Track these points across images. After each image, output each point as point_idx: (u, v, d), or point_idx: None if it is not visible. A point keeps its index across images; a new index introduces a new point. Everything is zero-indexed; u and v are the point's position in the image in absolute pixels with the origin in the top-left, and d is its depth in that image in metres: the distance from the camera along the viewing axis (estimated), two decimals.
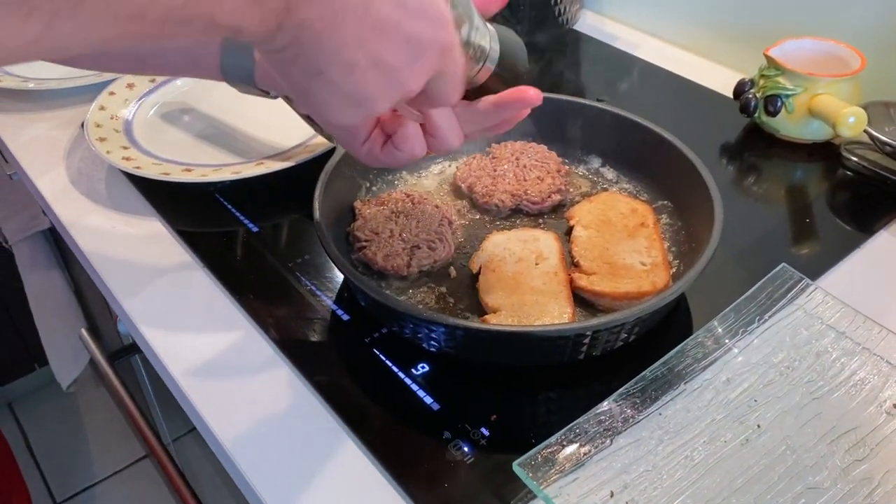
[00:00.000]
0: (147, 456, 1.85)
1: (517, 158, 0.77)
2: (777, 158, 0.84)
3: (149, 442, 0.79)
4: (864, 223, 0.75)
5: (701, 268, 0.58)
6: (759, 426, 0.56)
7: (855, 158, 0.82)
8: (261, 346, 0.63)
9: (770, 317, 0.63)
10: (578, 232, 0.69)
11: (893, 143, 0.77)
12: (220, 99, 0.92)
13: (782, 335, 0.62)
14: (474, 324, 0.56)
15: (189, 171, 0.77)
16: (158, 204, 0.77)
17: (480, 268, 0.66)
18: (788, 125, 0.82)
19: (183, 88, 0.93)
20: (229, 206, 0.77)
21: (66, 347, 1.31)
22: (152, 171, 0.76)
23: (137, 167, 0.77)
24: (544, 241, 0.69)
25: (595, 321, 0.55)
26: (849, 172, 0.82)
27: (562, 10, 1.03)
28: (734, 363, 0.60)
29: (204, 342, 0.64)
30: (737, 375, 0.59)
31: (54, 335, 1.29)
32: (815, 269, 0.69)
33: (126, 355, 0.98)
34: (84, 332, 0.94)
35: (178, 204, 0.77)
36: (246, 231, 0.74)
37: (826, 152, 0.84)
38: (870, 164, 0.81)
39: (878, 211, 0.76)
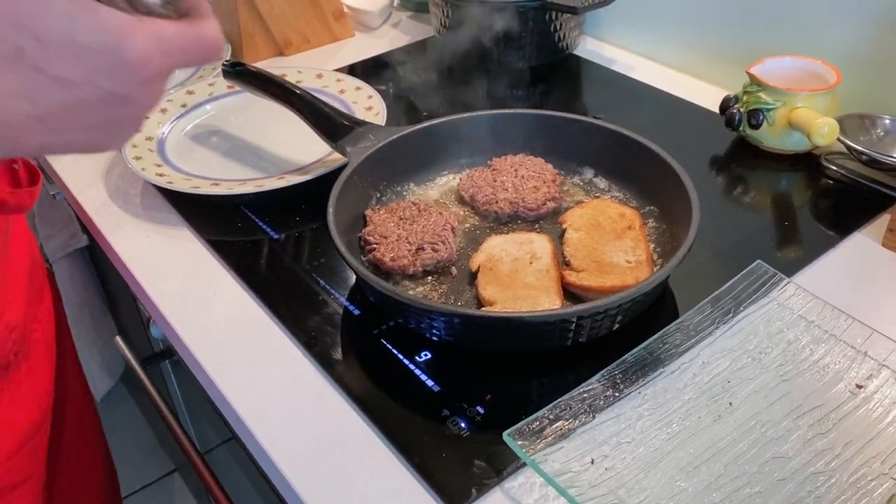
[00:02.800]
0: (176, 470, 1.92)
1: (516, 170, 0.83)
2: (762, 169, 0.90)
3: (185, 449, 0.85)
4: (841, 226, 0.80)
5: (677, 261, 0.64)
6: (731, 404, 0.61)
7: (834, 167, 0.87)
8: (282, 340, 0.70)
9: (745, 308, 0.68)
10: (570, 234, 0.75)
11: (868, 151, 0.82)
12: (245, 121, 1.00)
13: (756, 324, 0.67)
14: (468, 310, 0.62)
15: (217, 185, 0.85)
16: (189, 216, 0.85)
17: (479, 267, 0.72)
18: (770, 137, 0.88)
19: (211, 112, 1.01)
20: (253, 217, 0.84)
21: (100, 359, 1.39)
22: (183, 185, 0.84)
23: (170, 182, 0.84)
24: (538, 243, 0.75)
25: (578, 307, 0.61)
26: (829, 181, 0.87)
27: (562, 37, 1.10)
28: (710, 349, 0.65)
29: (231, 339, 0.70)
30: (712, 360, 0.64)
31: (90, 348, 1.37)
32: (791, 267, 0.74)
33: (158, 360, 1.06)
34: (118, 339, 1.01)
35: (207, 215, 0.85)
36: (269, 239, 0.81)
37: (808, 163, 0.89)
38: (848, 173, 0.86)
39: (854, 215, 0.81)
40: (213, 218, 0.84)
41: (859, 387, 0.62)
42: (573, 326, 0.62)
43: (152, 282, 0.77)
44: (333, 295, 0.73)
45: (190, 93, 1.03)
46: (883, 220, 0.80)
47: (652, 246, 0.75)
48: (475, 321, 0.62)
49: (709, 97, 1.01)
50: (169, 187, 0.84)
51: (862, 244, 0.78)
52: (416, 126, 0.84)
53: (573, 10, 1.01)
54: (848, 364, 0.63)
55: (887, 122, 0.86)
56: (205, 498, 0.82)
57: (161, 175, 0.86)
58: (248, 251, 0.80)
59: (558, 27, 1.08)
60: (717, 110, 0.95)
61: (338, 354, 0.68)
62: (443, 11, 1.14)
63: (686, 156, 0.77)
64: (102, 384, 1.42)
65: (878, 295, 0.72)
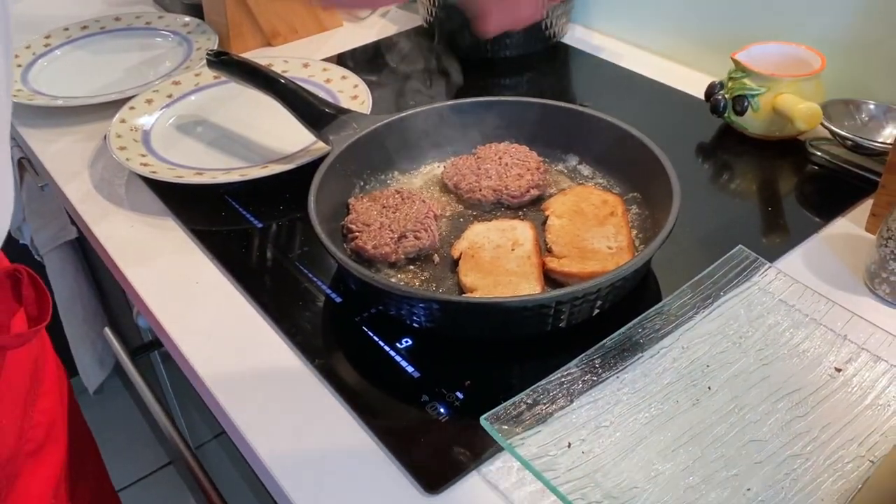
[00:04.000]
0: (171, 463, 1.92)
1: (500, 158, 0.83)
2: (747, 155, 0.90)
3: (173, 444, 0.85)
4: (825, 211, 0.80)
5: (657, 245, 0.64)
6: (709, 388, 0.61)
7: (819, 153, 0.87)
8: (265, 329, 0.70)
9: (726, 293, 0.68)
10: (552, 221, 0.75)
11: (853, 137, 0.82)
12: (230, 111, 1.00)
13: (737, 309, 0.67)
14: (446, 296, 0.62)
15: (201, 174, 0.85)
16: (173, 205, 0.85)
17: (461, 254, 0.72)
18: (755, 123, 0.88)
19: (197, 103, 1.01)
20: (238, 206, 0.84)
21: (92, 351, 1.39)
22: (167, 174, 0.84)
23: (154, 172, 0.84)
24: (521, 230, 0.75)
25: (556, 292, 0.61)
26: (814, 166, 0.87)
27: (550, 25, 1.10)
28: (690, 333, 0.65)
29: (215, 329, 0.70)
30: (692, 344, 0.65)
31: (82, 340, 1.37)
32: (774, 252, 0.74)
33: (147, 351, 1.06)
34: (107, 330, 1.01)
35: (191, 205, 0.85)
36: (253, 228, 0.81)
37: (793, 149, 0.89)
38: (833, 159, 0.86)
39: (839, 200, 0.81)
40: (197, 208, 0.85)
41: (838, 370, 0.62)
42: (552, 312, 0.62)
43: (137, 272, 0.77)
44: (316, 283, 0.74)
45: (176, 83, 1.02)
46: (866, 206, 0.80)
47: (634, 232, 0.75)
48: (454, 307, 0.62)
49: (696, 84, 1.00)
50: (153, 177, 0.84)
51: (845, 229, 0.77)
52: (400, 114, 0.84)
53: None
54: (827, 348, 0.63)
55: (872, 107, 0.86)
56: (199, 492, 0.83)
57: (145, 165, 0.86)
58: (233, 240, 0.80)
59: (547, 15, 1.08)
60: (702, 97, 0.95)
61: (320, 342, 0.68)
62: (431, 1, 1.13)
63: (672, 143, 0.77)
64: (95, 376, 1.43)
65: (859, 279, 0.71)
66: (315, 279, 0.74)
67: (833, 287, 0.70)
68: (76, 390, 0.86)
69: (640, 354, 0.63)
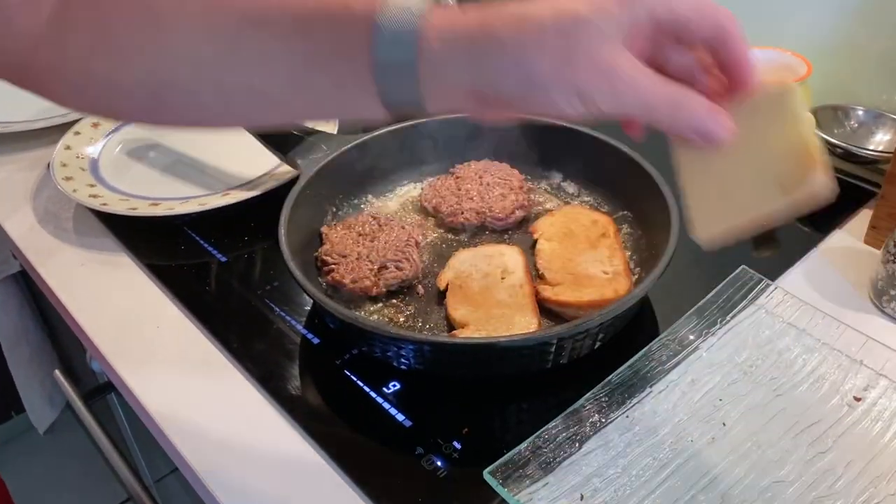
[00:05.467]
0: (129, 499, 1.83)
1: (480, 177, 0.78)
2: None
3: (128, 484, 0.79)
4: (821, 224, 0.77)
5: (660, 272, 0.60)
6: (724, 424, 0.57)
7: None
8: (233, 375, 0.63)
9: (732, 318, 0.64)
10: (542, 245, 0.71)
11: (843, 145, 0.79)
12: (184, 134, 0.93)
13: (745, 335, 0.63)
14: (440, 338, 0.57)
15: (156, 205, 0.78)
16: (126, 239, 0.78)
17: (448, 285, 0.67)
18: None
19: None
20: (197, 238, 0.78)
21: (41, 391, 1.30)
22: (119, 207, 0.77)
23: (104, 204, 0.77)
24: (509, 256, 0.70)
25: (558, 328, 0.56)
26: None
27: None
28: (699, 364, 0.61)
29: (177, 374, 0.64)
30: (702, 376, 0.60)
31: (29, 379, 1.28)
32: (774, 270, 0.70)
33: (101, 394, 0.98)
34: (58, 373, 0.93)
35: (147, 238, 0.78)
36: (215, 262, 0.75)
37: None
38: None
39: (833, 211, 0.77)
40: (153, 241, 0.78)
41: (857, 399, 0.58)
42: (553, 348, 0.57)
43: (88, 314, 0.70)
44: (289, 322, 0.67)
45: None
46: (862, 216, 0.77)
47: (628, 254, 0.70)
48: (447, 349, 0.57)
49: None
50: (103, 209, 0.77)
51: (844, 242, 0.74)
52: (371, 133, 0.78)
53: None
54: (843, 375, 0.60)
55: (860, 113, 0.83)
56: None
57: (94, 196, 0.79)
58: (194, 276, 0.73)
59: None
60: None
61: (296, 389, 0.62)
62: None
63: (654, 155, 0.72)
64: (45, 416, 1.33)
65: (864, 296, 0.68)
66: (288, 318, 0.68)
67: (839, 306, 0.67)
68: (24, 428, 0.78)
69: (649, 389, 0.59)
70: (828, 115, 0.83)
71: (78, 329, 0.70)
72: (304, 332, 0.66)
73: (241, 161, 0.85)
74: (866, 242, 0.73)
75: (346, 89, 0.42)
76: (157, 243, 0.77)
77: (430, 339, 0.56)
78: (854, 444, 0.55)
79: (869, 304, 0.67)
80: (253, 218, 0.79)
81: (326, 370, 0.63)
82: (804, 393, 0.59)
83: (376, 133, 0.78)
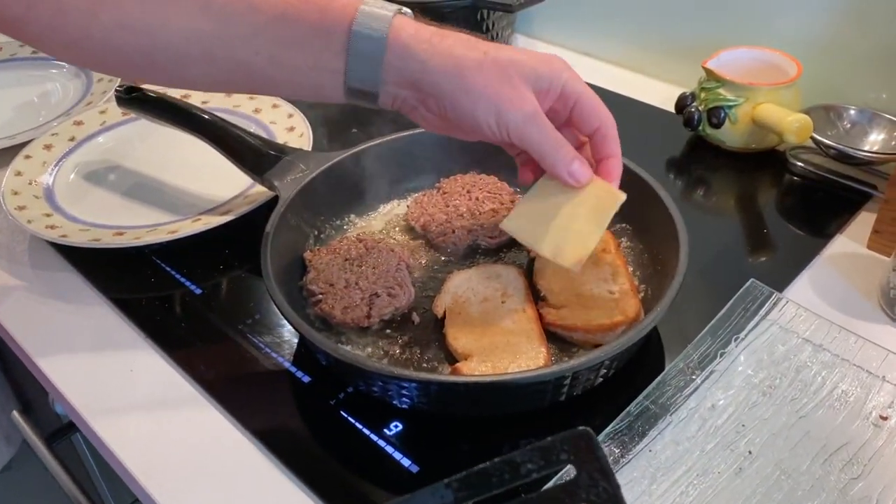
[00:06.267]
0: None
1: (468, 191, 0.74)
2: (725, 169, 0.84)
3: None
4: (820, 228, 0.75)
5: (674, 293, 0.56)
6: (750, 452, 0.54)
7: (801, 164, 0.82)
8: (218, 420, 0.58)
9: (745, 335, 0.61)
10: (542, 265, 0.67)
11: (837, 146, 0.77)
12: (146, 153, 0.87)
13: (760, 353, 0.61)
14: (448, 377, 0.52)
15: (121, 234, 0.72)
16: (89, 273, 0.72)
17: (445, 311, 0.63)
18: (734, 136, 0.82)
19: (106, 145, 0.87)
20: (168, 269, 0.72)
21: None
22: (80, 238, 0.71)
23: (63, 235, 0.71)
24: (507, 277, 0.66)
25: (575, 362, 0.52)
26: (796, 178, 0.82)
27: (494, 37, 1.02)
28: (716, 387, 0.58)
29: (152, 418, 0.59)
30: (720, 400, 0.57)
31: None
32: (780, 281, 0.68)
33: (65, 435, 0.91)
34: (16, 414, 0.87)
35: (112, 271, 0.72)
36: (189, 294, 0.69)
37: (772, 159, 0.84)
38: (816, 168, 0.81)
39: (830, 215, 0.76)
40: (119, 274, 0.72)
41: (883, 418, 0.55)
42: (568, 381, 0.54)
43: (52, 358, 0.64)
44: (276, 359, 0.62)
45: (78, 123, 0.88)
46: (861, 219, 0.75)
47: (631, 269, 0.67)
48: (457, 388, 0.53)
49: (658, 95, 0.94)
50: (63, 242, 0.70)
51: (847, 248, 0.72)
52: (351, 150, 0.73)
53: (508, 9, 0.92)
54: (866, 392, 0.57)
55: (853, 113, 0.81)
56: None
57: (52, 227, 0.72)
58: (167, 311, 0.68)
59: (490, 26, 0.99)
60: (667, 108, 0.89)
61: (289, 433, 0.57)
62: None
63: (640, 159, 0.69)
64: (1, 455, 1.25)
65: (874, 304, 0.66)
66: (274, 354, 0.63)
67: (851, 316, 0.65)
68: None
69: (669, 419, 0.55)
70: (820, 116, 0.81)
71: (41, 375, 0.64)
72: (293, 369, 0.61)
73: (210, 182, 0.79)
74: (870, 248, 0.71)
75: (318, 70, 0.52)
76: (123, 276, 0.71)
77: (438, 378, 0.52)
78: (886, 466, 0.52)
79: (880, 314, 0.65)
80: (228, 244, 0.73)
81: (320, 411, 0.58)
82: (827, 413, 0.56)
83: (357, 149, 0.73)
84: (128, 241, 0.70)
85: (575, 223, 0.57)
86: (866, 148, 0.79)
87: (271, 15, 0.50)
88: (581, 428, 0.33)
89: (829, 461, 0.53)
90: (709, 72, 0.82)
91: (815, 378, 0.59)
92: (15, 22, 0.49)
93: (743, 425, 0.56)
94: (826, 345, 0.60)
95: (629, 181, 0.68)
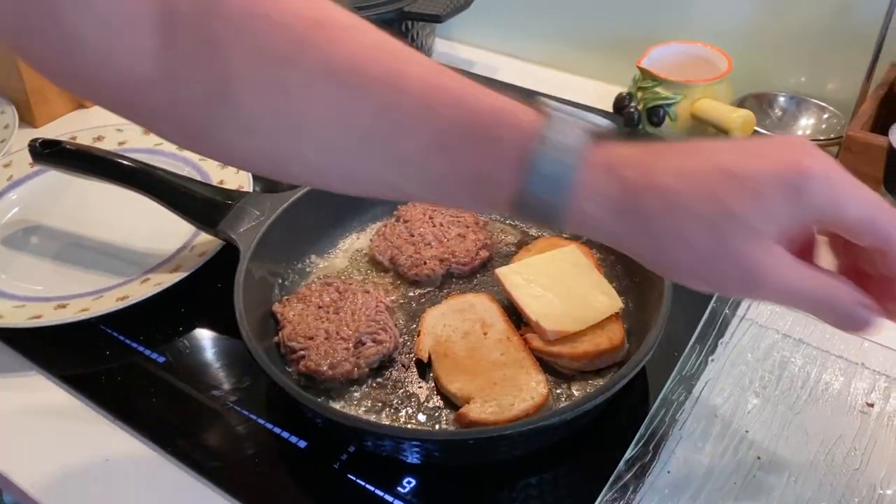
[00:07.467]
0: None
1: (430, 218, 0.72)
2: None
3: None
4: None
5: (666, 309, 0.57)
6: (759, 458, 0.55)
7: None
8: (206, 499, 0.54)
9: (730, 338, 0.63)
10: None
11: (771, 134, 0.80)
12: (69, 209, 0.79)
13: (745, 354, 0.62)
14: (471, 432, 0.51)
15: (63, 306, 0.66)
16: (31, 352, 0.65)
17: (430, 354, 0.61)
18: (674, 132, 0.83)
19: (19, 201, 0.80)
20: (120, 337, 0.66)
21: None
22: (18, 317, 0.64)
23: None
24: (481, 307, 0.65)
25: (591, 400, 0.51)
26: None
27: (420, 46, 0.99)
28: (713, 396, 0.59)
29: None
30: (719, 408, 0.58)
31: None
32: None
33: None
34: None
35: (59, 347, 0.65)
36: (151, 364, 0.64)
37: None
38: None
39: None
40: (68, 349, 0.65)
41: (870, 405, 0.58)
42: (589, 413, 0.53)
43: (11, 464, 0.58)
44: (263, 425, 0.59)
45: None
46: None
47: (614, 284, 0.67)
48: (480, 443, 0.51)
49: (590, 93, 0.95)
50: None
51: None
52: (303, 187, 0.69)
53: (437, 19, 0.90)
54: (848, 381, 0.60)
55: (782, 100, 0.85)
56: None
57: None
58: (130, 386, 0.63)
59: (416, 36, 0.97)
60: (602, 106, 0.90)
61: None
62: None
63: None
64: None
65: None
66: (261, 421, 0.59)
67: None
68: None
69: (679, 434, 0.56)
70: (752, 105, 0.83)
71: (6, 483, 0.58)
72: (286, 435, 0.58)
73: (149, 235, 0.74)
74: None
75: (479, 202, 0.42)
76: (73, 351, 0.65)
77: (457, 436, 0.50)
78: (881, 454, 0.55)
79: None
80: (182, 302, 0.68)
81: (325, 477, 0.55)
82: (818, 407, 0.58)
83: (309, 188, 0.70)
84: (74, 314, 0.64)
85: (568, 302, 0.62)
86: (799, 133, 0.82)
87: (423, 140, 0.39)
88: None
89: (831, 455, 0.55)
90: (644, 71, 0.83)
91: (800, 372, 0.61)
92: (123, 105, 0.43)
93: (747, 431, 0.57)
94: (805, 338, 0.63)
95: None
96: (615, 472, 0.52)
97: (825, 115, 0.83)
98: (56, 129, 0.94)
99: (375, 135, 0.40)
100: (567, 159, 0.38)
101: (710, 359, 0.61)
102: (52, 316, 0.64)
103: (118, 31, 0.38)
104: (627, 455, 0.54)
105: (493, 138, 0.39)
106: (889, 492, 0.53)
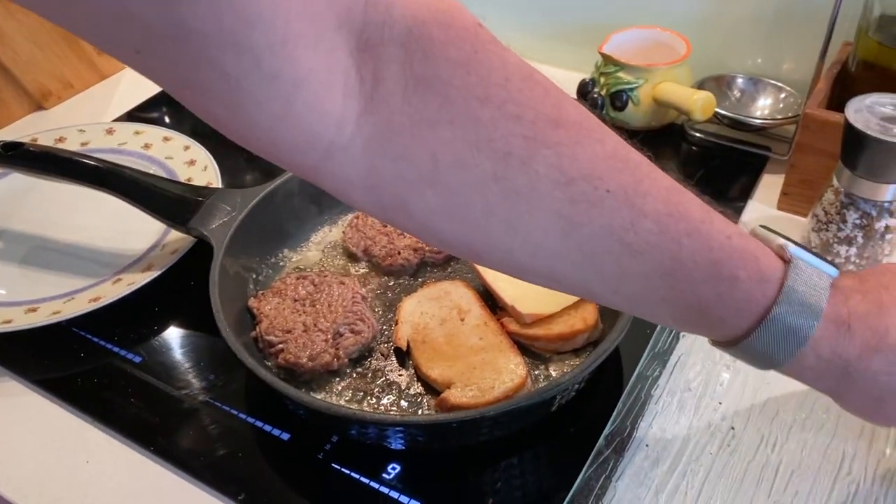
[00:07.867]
0: None
1: None
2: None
3: None
4: (732, 196, 0.79)
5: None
6: (733, 428, 0.57)
7: (698, 134, 0.86)
8: (200, 499, 0.54)
9: None
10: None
11: (735, 116, 0.82)
12: (32, 211, 0.78)
13: None
14: (456, 415, 0.51)
15: (34, 309, 0.65)
16: (2, 357, 0.64)
17: (409, 342, 0.62)
18: (637, 116, 0.85)
19: None
20: (94, 339, 0.66)
21: None
22: None
23: None
24: (456, 293, 0.66)
25: (564, 379, 0.52)
26: (694, 147, 0.86)
27: None
28: (684, 369, 0.61)
29: None
30: (691, 382, 0.60)
31: None
32: None
33: None
34: None
35: (31, 351, 0.65)
36: (128, 364, 0.64)
37: (673, 134, 0.88)
38: (709, 136, 0.86)
39: (735, 182, 0.81)
40: (40, 353, 0.65)
41: None
42: (570, 391, 0.54)
43: None
44: (245, 419, 0.59)
45: None
46: (766, 182, 0.80)
47: None
48: (464, 425, 0.52)
49: (554, 80, 0.96)
50: None
51: (759, 212, 0.77)
52: (274, 181, 0.70)
53: None
54: None
55: (740, 81, 0.87)
56: None
57: None
58: (107, 388, 0.62)
59: None
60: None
61: (283, 498, 0.54)
62: None
63: None
64: None
65: None
66: (243, 416, 0.59)
67: None
68: None
69: (654, 410, 0.58)
70: (711, 88, 0.85)
71: None
72: (268, 428, 0.58)
73: (118, 235, 0.73)
74: (780, 209, 0.77)
75: (689, 328, 0.41)
76: (45, 355, 0.64)
77: (447, 419, 0.51)
78: (849, 420, 0.57)
79: None
80: (154, 301, 0.68)
81: (309, 467, 0.55)
82: (783, 378, 0.60)
83: (280, 180, 0.70)
84: (46, 318, 0.63)
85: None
86: (758, 114, 0.84)
87: (654, 268, 0.37)
88: None
89: (804, 425, 0.57)
90: (606, 57, 0.85)
91: None
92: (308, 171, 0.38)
93: (720, 403, 0.59)
94: None
95: None
96: (595, 447, 0.54)
97: (782, 95, 0.85)
98: (15, 132, 0.92)
99: (599, 252, 0.37)
100: (809, 317, 0.38)
101: (681, 335, 0.63)
102: (22, 320, 0.63)
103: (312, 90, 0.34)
104: (606, 431, 0.55)
105: (728, 278, 0.37)
106: (860, 454, 0.55)
